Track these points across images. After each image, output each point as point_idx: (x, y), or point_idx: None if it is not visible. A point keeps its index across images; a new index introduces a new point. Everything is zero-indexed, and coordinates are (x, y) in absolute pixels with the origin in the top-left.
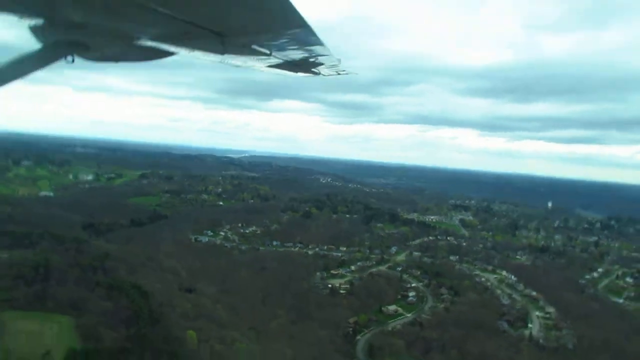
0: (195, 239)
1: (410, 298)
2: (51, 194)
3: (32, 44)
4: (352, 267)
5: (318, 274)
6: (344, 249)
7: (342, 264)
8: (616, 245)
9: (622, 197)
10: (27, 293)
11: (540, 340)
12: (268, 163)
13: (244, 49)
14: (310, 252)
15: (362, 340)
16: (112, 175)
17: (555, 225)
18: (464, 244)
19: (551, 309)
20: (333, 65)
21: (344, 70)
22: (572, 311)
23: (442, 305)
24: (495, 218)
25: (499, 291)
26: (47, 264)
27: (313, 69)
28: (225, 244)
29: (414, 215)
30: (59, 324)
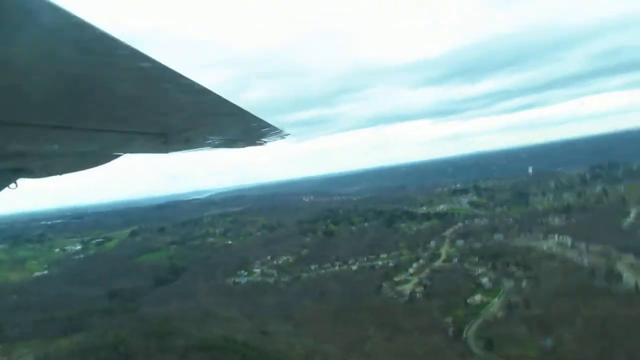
0: (234, 282)
1: (486, 284)
2: (45, 272)
3: None
4: (410, 270)
5: (384, 284)
6: (385, 255)
7: (397, 270)
8: (622, 188)
9: (581, 150)
10: None
11: None
12: (240, 196)
13: (187, 143)
14: (354, 267)
15: (470, 336)
16: (100, 239)
17: (553, 186)
18: (495, 221)
19: (630, 257)
20: (276, 133)
21: (287, 134)
22: None
23: (524, 282)
24: (495, 194)
25: (568, 254)
26: (124, 341)
27: (257, 141)
28: (267, 280)
29: (424, 209)
30: None
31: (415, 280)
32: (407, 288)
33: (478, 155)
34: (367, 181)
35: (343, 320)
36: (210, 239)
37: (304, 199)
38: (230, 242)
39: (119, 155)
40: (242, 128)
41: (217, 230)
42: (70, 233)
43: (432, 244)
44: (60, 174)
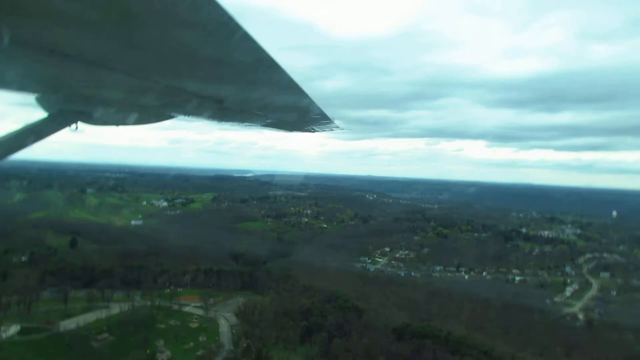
0: (365, 267)
1: None
2: (141, 222)
3: (38, 114)
4: (566, 293)
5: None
6: (517, 271)
7: (546, 289)
8: None
9: None
10: None
11: None
12: (296, 182)
13: (241, 114)
14: (488, 277)
15: None
16: (183, 199)
17: None
18: (630, 260)
19: None
20: (327, 123)
21: (337, 127)
22: None
23: None
24: (603, 230)
25: None
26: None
27: (307, 128)
28: (398, 272)
29: (531, 232)
30: None
31: (578, 304)
32: (574, 311)
33: (528, 187)
34: (416, 191)
35: (526, 333)
36: (304, 219)
37: (367, 196)
38: (325, 226)
39: (174, 116)
40: (298, 111)
41: (307, 212)
42: (144, 188)
43: (568, 269)
44: (117, 124)
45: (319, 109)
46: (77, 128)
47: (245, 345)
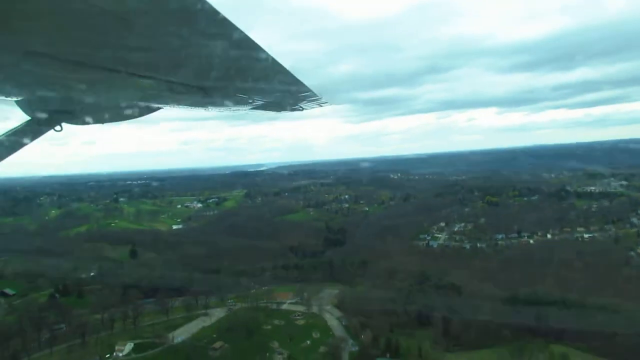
0: (427, 244)
1: None
2: (181, 225)
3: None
4: None
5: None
6: (581, 229)
7: (634, 240)
8: None
9: None
10: None
11: None
12: (318, 170)
13: (226, 99)
14: (555, 238)
15: None
16: (215, 199)
17: None
18: None
19: None
20: (314, 100)
21: (325, 102)
22: None
23: None
24: None
25: None
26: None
27: (295, 107)
28: (463, 245)
29: (577, 188)
30: None
31: None
32: None
33: (541, 147)
34: (434, 165)
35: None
36: (345, 205)
37: (391, 175)
38: (367, 209)
39: (159, 108)
40: (282, 89)
41: (344, 197)
42: (171, 192)
43: (635, 221)
44: (103, 122)
45: (305, 85)
46: (61, 129)
47: (369, 336)
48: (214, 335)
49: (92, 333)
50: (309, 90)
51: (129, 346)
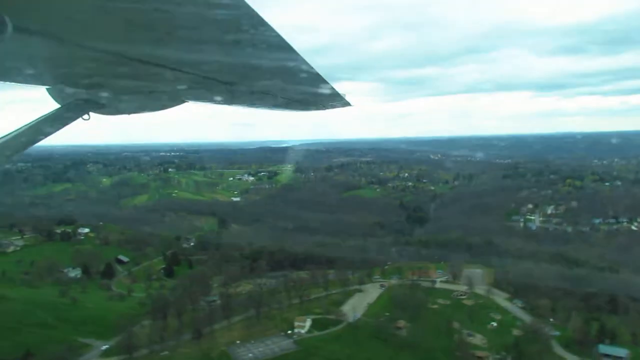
0: (525, 226)
1: None
2: (238, 198)
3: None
4: None
5: None
6: None
7: None
8: None
9: None
10: None
11: None
12: (353, 149)
13: (251, 95)
14: None
15: None
16: (265, 173)
17: None
18: None
19: None
20: (338, 99)
21: (348, 103)
22: None
23: None
24: None
25: None
26: None
27: (318, 105)
28: (563, 228)
29: None
30: None
31: None
32: None
33: (580, 134)
34: (473, 148)
35: None
36: (409, 183)
37: (431, 156)
38: (433, 188)
39: (185, 101)
40: (308, 90)
41: (403, 175)
42: (215, 164)
43: None
44: (129, 113)
45: (331, 86)
46: (89, 117)
47: (575, 317)
48: (387, 314)
49: (258, 306)
50: (335, 90)
51: (308, 322)
